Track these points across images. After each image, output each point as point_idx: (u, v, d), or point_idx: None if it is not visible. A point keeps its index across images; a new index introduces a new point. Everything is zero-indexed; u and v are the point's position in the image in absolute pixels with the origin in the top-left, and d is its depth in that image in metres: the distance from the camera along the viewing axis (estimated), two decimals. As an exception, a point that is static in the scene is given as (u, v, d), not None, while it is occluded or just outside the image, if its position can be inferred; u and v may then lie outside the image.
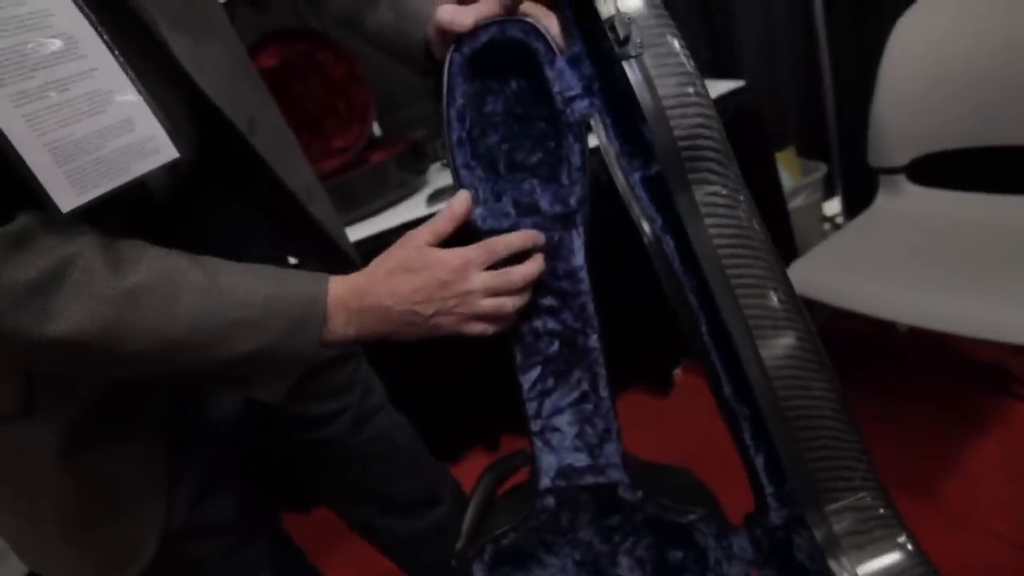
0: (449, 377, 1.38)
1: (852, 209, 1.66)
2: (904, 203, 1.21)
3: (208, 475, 0.56)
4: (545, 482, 0.60)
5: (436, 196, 1.33)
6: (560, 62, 0.53)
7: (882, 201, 1.24)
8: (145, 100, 0.47)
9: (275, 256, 0.68)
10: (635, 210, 0.51)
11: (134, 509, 0.51)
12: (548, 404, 0.59)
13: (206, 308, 0.41)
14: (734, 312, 0.39)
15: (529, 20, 0.52)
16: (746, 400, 0.48)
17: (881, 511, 0.37)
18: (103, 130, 0.46)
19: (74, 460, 0.48)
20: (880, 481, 0.37)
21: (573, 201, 0.55)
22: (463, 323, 0.49)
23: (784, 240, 1.44)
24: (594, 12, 0.49)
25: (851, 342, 1.39)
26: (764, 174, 1.39)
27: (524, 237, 0.52)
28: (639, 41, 0.38)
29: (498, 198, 0.56)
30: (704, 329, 0.49)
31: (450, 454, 1.53)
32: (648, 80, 0.38)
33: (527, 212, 0.55)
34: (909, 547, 0.36)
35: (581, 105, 0.54)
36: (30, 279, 0.38)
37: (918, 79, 1.15)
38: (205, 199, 0.57)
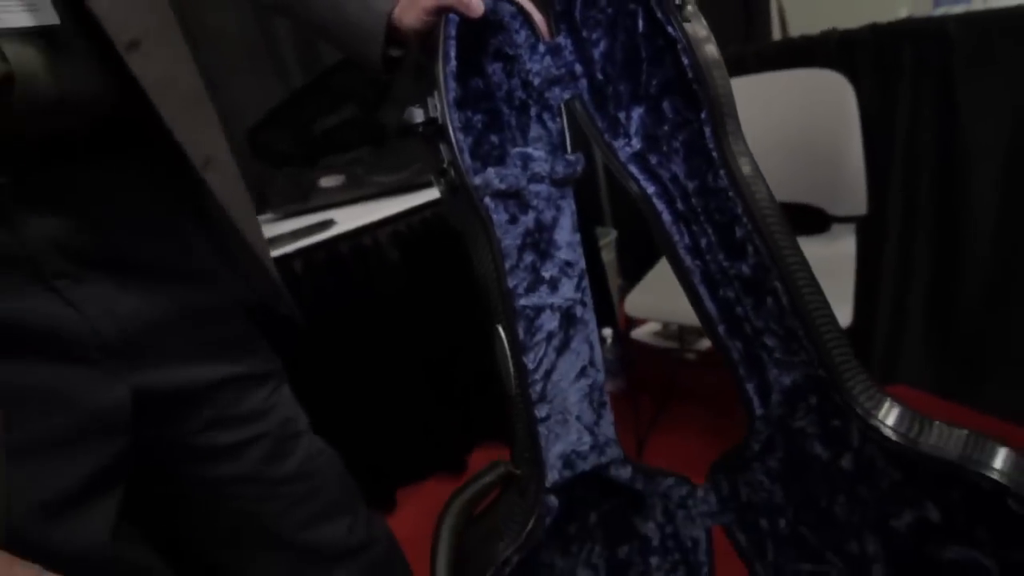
0: (403, 397, 1.29)
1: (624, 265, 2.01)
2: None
3: None
4: (553, 476, 0.58)
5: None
6: (542, 48, 0.59)
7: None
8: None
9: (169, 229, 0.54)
10: (627, 182, 0.58)
11: None
12: (552, 384, 0.58)
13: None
14: (765, 225, 0.48)
15: (518, 1, 0.57)
16: (737, 335, 0.56)
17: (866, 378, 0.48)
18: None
19: None
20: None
21: (570, 168, 0.59)
22: None
23: (605, 294, 1.67)
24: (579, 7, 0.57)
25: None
26: (588, 239, 1.61)
27: None
28: (691, 10, 0.47)
29: (499, 160, 0.57)
30: (696, 279, 0.57)
31: (408, 478, 1.40)
32: (699, 41, 0.47)
33: (533, 179, 0.57)
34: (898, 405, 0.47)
35: (561, 89, 0.60)
36: None
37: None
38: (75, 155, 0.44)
